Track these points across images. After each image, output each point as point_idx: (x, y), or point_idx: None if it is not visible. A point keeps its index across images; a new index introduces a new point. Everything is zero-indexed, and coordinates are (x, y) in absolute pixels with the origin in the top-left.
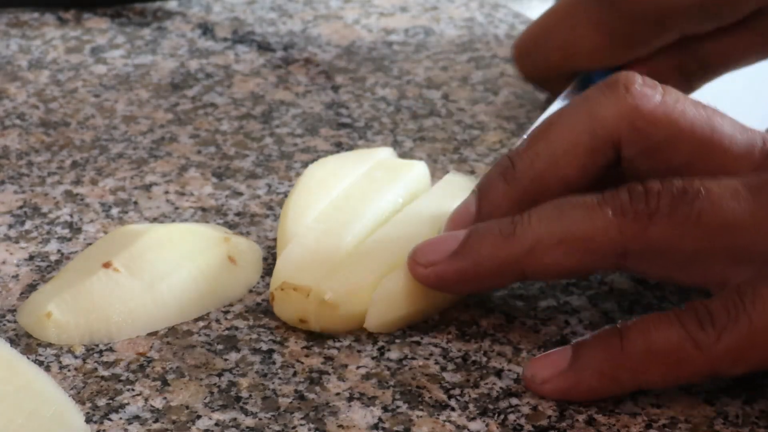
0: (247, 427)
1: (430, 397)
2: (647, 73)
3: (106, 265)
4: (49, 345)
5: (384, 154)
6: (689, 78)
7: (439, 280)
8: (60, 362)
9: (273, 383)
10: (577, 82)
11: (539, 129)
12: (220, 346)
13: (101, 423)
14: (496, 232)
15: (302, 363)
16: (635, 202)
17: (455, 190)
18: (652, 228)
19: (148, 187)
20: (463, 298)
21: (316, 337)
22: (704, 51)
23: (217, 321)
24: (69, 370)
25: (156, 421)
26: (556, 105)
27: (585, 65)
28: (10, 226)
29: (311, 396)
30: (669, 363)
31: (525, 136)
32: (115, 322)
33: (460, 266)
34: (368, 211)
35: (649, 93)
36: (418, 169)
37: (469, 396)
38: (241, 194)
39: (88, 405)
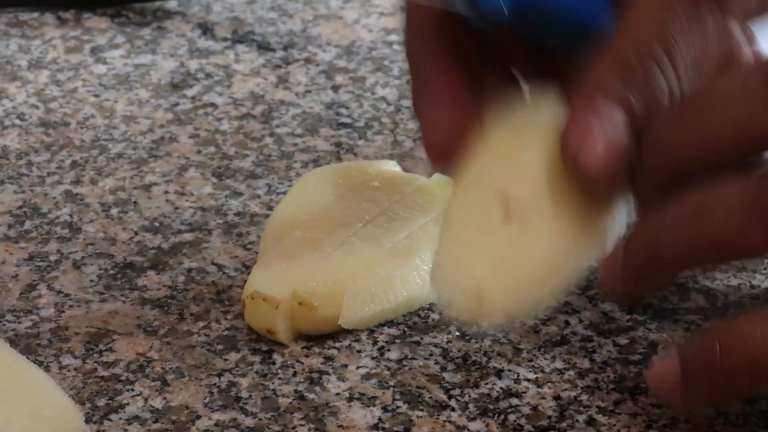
0: (247, 428)
1: (430, 397)
2: None
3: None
4: (49, 345)
5: (387, 166)
6: None
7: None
8: (60, 362)
9: (273, 383)
10: None
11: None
12: (220, 346)
13: (101, 423)
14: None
15: (302, 363)
16: None
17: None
18: None
19: (147, 187)
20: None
21: (316, 337)
22: None
23: (217, 321)
24: (69, 370)
25: (156, 421)
26: None
27: None
28: (10, 226)
29: (311, 396)
30: None
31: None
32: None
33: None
34: (355, 222)
35: None
36: (422, 182)
37: (469, 396)
38: (241, 194)
39: (88, 405)
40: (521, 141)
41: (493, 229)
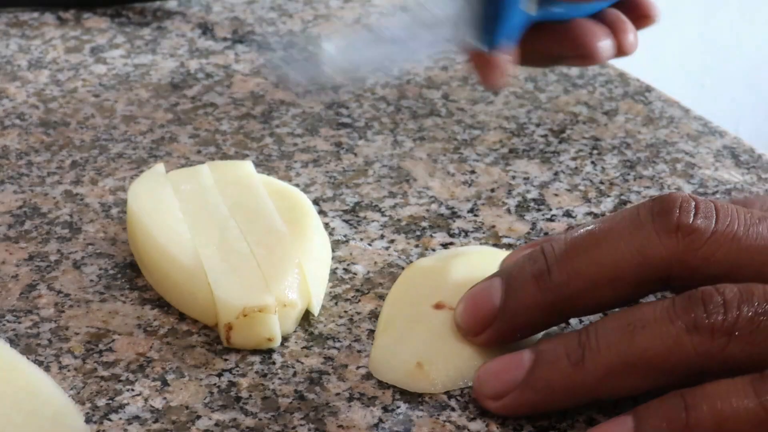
0: (247, 427)
1: (430, 397)
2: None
3: (438, 306)
4: (49, 345)
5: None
6: None
7: (511, 412)
8: (60, 362)
9: (273, 383)
10: None
11: (583, 241)
12: (219, 346)
13: (101, 423)
14: (565, 361)
15: (302, 363)
16: (712, 315)
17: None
18: (731, 346)
19: None
20: None
21: (316, 337)
22: None
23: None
24: (69, 370)
25: (156, 421)
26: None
27: None
28: (10, 226)
29: (311, 396)
30: None
31: (565, 235)
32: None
33: (530, 398)
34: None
35: (703, 224)
36: (247, 168)
37: (469, 396)
38: None
39: (88, 405)
40: (444, 262)
41: (427, 315)
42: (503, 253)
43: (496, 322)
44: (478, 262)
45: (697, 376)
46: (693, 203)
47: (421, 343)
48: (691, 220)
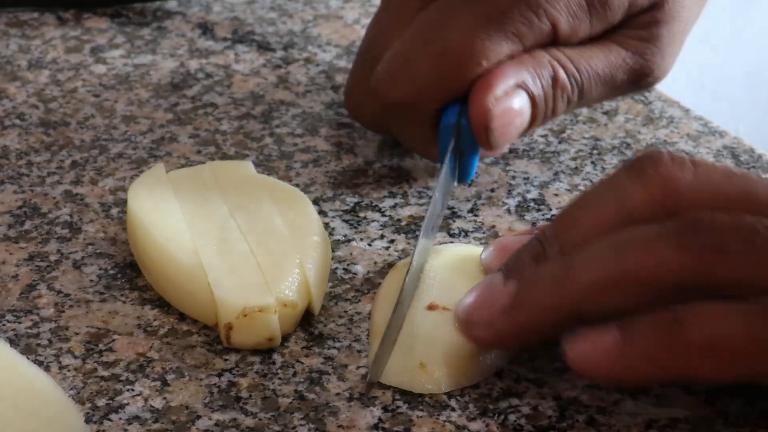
0: (247, 428)
1: (431, 397)
2: (521, 77)
3: (431, 307)
4: (49, 345)
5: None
6: (563, 90)
7: (500, 339)
8: (60, 362)
9: (273, 383)
10: (442, 130)
11: (566, 215)
12: (219, 346)
13: (101, 423)
14: (549, 280)
15: (302, 363)
16: (702, 235)
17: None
18: (719, 266)
19: None
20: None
21: (316, 337)
22: (576, 58)
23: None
24: (69, 370)
25: (156, 421)
26: (442, 181)
27: (459, 73)
28: (10, 226)
29: (311, 396)
30: (726, 359)
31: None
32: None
33: (519, 321)
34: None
35: (678, 171)
36: (247, 168)
37: (469, 396)
38: None
39: (88, 405)
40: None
41: (421, 316)
42: (481, 250)
43: (507, 312)
44: (462, 260)
45: (682, 298)
46: (666, 155)
47: (420, 344)
48: (666, 164)
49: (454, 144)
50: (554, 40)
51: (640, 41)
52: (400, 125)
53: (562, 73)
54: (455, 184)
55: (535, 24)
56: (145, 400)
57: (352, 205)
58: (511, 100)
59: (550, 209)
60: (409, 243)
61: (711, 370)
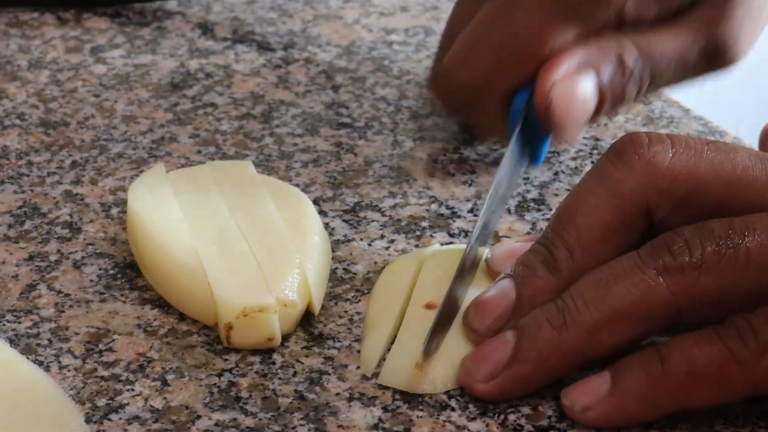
0: (247, 428)
1: (430, 397)
2: (586, 60)
3: (429, 306)
4: (49, 345)
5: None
6: (631, 75)
7: (503, 391)
8: (60, 362)
9: (273, 383)
10: (512, 113)
11: (563, 215)
12: (219, 346)
13: (101, 423)
14: (548, 328)
15: (302, 363)
16: (678, 256)
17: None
18: (702, 280)
19: None
20: None
21: (316, 337)
22: (644, 41)
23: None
24: (69, 370)
25: (156, 421)
26: (506, 162)
27: (524, 58)
28: (10, 226)
29: (311, 396)
30: (711, 383)
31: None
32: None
33: (523, 372)
34: (226, 218)
35: (660, 149)
36: (247, 168)
37: (469, 396)
38: None
39: (88, 405)
40: (422, 261)
41: (419, 316)
42: (480, 250)
43: (509, 365)
44: (456, 260)
45: (676, 315)
46: (645, 137)
47: (417, 344)
48: (646, 145)
49: (521, 127)
50: (621, 24)
51: (711, 20)
52: (472, 110)
53: (628, 57)
54: (524, 168)
55: (600, 7)
56: (145, 400)
57: (352, 205)
58: (573, 82)
59: (550, 209)
60: (409, 243)
61: (702, 396)
